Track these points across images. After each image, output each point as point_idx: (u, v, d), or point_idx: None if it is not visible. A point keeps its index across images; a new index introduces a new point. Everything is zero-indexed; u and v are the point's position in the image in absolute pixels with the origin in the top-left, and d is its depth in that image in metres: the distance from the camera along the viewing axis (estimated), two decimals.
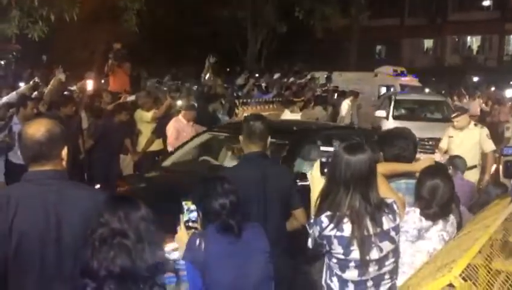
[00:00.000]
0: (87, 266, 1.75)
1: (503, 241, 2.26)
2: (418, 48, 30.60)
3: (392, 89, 14.15)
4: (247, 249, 2.31)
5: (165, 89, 9.69)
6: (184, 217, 2.46)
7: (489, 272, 1.98)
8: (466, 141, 5.67)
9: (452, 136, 5.83)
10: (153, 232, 1.82)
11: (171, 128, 6.23)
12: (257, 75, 13.81)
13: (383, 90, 14.44)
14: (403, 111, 11.04)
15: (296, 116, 8.37)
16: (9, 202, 1.95)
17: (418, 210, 2.51)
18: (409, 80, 15.10)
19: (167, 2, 17.82)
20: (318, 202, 2.29)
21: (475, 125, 5.99)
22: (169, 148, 6.10)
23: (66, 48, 14.77)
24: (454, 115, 5.93)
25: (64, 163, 2.14)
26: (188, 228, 2.45)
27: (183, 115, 6.34)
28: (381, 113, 10.70)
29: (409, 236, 2.48)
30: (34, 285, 1.98)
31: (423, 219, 2.49)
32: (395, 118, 10.22)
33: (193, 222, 2.46)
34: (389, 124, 9.53)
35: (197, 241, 2.27)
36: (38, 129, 2.06)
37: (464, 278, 1.70)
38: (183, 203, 2.51)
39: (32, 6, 9.90)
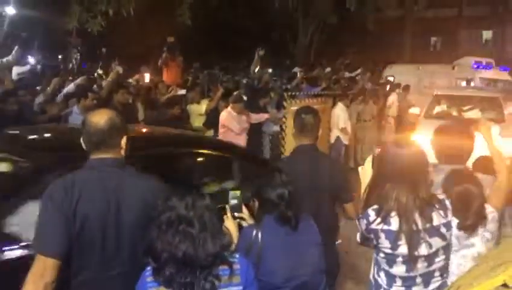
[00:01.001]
0: (152, 246, 1.85)
1: None
2: (475, 39, 29.12)
3: (472, 84, 12.51)
4: (302, 241, 2.33)
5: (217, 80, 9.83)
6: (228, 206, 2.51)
7: None
8: None
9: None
10: (216, 222, 1.91)
11: (228, 119, 6.20)
12: (308, 68, 13.71)
13: (463, 84, 12.73)
14: (439, 109, 9.30)
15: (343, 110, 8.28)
16: (73, 187, 2.06)
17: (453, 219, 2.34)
18: (494, 73, 13.38)
19: None
20: (365, 195, 2.28)
21: None
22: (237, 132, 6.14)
23: (123, 42, 15.33)
24: None
25: (123, 152, 2.23)
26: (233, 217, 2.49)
27: (231, 107, 6.39)
28: (414, 110, 9.26)
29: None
30: (95, 265, 2.10)
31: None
32: (427, 116, 8.75)
33: (234, 208, 2.50)
34: (422, 124, 8.19)
35: (254, 232, 2.31)
36: (101, 118, 2.17)
37: None
38: (230, 192, 2.55)
39: (91, 1, 10.36)
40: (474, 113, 5.12)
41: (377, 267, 2.24)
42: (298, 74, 10.71)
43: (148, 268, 1.90)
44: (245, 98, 8.08)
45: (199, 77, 9.46)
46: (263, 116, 7.11)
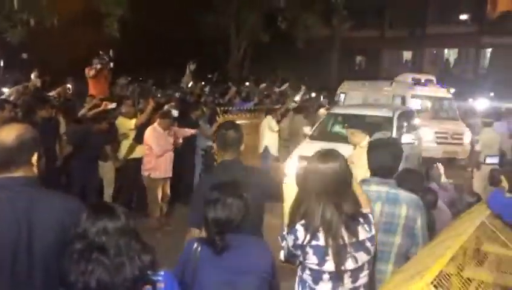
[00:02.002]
0: (65, 276, 1.74)
1: (475, 250, 2.30)
2: (397, 59, 31.13)
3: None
4: (237, 267, 2.20)
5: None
6: None
7: (461, 281, 2.02)
8: None
9: None
10: (133, 245, 1.80)
11: (151, 137, 6.08)
12: (247, 83, 13.82)
13: (397, 101, 11.91)
14: (328, 129, 8.42)
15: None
16: None
17: None
18: (430, 90, 12.41)
19: (150, 8, 17.75)
20: (290, 212, 2.27)
21: None
22: (145, 159, 6.07)
23: (46, 53, 14.57)
24: None
25: (35, 169, 2.08)
26: None
27: (158, 123, 6.20)
28: (306, 129, 8.42)
29: None
30: None
31: None
32: (312, 137, 7.91)
33: None
34: (306, 144, 7.60)
35: (194, 246, 2.23)
36: (8, 134, 2.01)
37: (435, 286, 1.73)
38: None
39: (12, 11, 9.77)
40: (359, 138, 4.91)
41: (301, 285, 2.21)
42: (231, 89, 10.76)
43: None
44: (176, 113, 7.97)
45: (128, 90, 9.20)
46: (189, 132, 7.03)
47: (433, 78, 13.31)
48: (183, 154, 7.40)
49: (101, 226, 1.76)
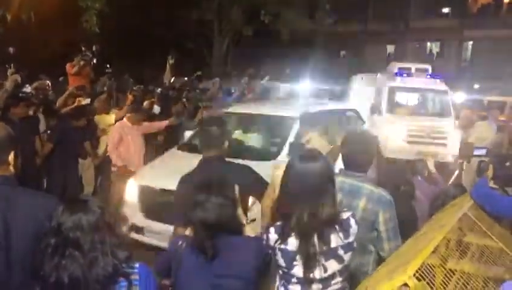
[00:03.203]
0: (37, 270, 1.74)
1: (458, 241, 2.29)
2: (380, 53, 31.37)
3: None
4: (220, 269, 2.13)
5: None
6: None
7: (444, 272, 2.00)
8: None
9: None
10: (108, 241, 1.78)
11: (113, 132, 5.94)
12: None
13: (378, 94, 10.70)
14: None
15: None
16: None
17: None
18: (419, 81, 10.70)
19: (130, 3, 17.48)
20: (270, 211, 2.22)
21: None
22: (111, 155, 5.85)
23: (23, 48, 14.25)
24: None
25: (11, 168, 2.06)
26: None
27: (127, 118, 6.06)
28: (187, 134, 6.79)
29: None
30: None
31: None
32: (181, 147, 6.22)
33: None
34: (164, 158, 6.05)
35: (179, 243, 2.20)
36: None
37: (418, 278, 1.70)
38: None
39: None
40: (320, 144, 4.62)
41: (279, 282, 2.17)
42: (213, 84, 10.66)
43: None
44: (158, 109, 7.86)
45: (105, 85, 9.03)
46: (162, 124, 6.87)
47: (428, 67, 11.29)
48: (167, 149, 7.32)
49: (76, 221, 1.74)
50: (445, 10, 28.77)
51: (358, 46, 30.12)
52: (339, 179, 2.60)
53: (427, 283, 1.77)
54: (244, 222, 2.40)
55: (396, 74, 10.73)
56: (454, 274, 2.09)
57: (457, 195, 3.84)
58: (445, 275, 2.00)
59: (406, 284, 1.72)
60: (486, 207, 2.72)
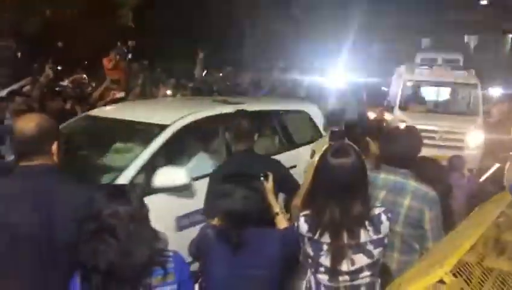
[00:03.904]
0: (77, 256, 1.80)
1: (496, 239, 2.25)
2: (415, 45, 30.54)
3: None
4: (248, 260, 2.20)
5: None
6: None
7: (481, 270, 1.98)
8: None
9: None
10: (144, 232, 1.82)
11: None
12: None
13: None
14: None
15: None
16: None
17: None
18: (442, 73, 9.19)
19: None
20: (302, 200, 2.25)
21: None
22: None
23: (62, 43, 14.67)
24: None
25: (55, 158, 2.13)
26: None
27: None
28: None
29: None
30: (25, 278, 1.98)
31: None
32: None
33: None
34: None
35: (208, 231, 2.26)
36: (27, 124, 2.06)
37: (454, 275, 1.69)
38: None
39: (27, 2, 9.85)
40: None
41: (309, 270, 2.19)
42: (245, 77, 10.70)
43: (76, 275, 1.85)
44: None
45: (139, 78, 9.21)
46: None
47: (459, 57, 9.79)
48: None
49: (114, 209, 1.79)
50: (484, 2, 27.81)
51: (390, 39, 29.46)
52: (381, 176, 2.61)
53: (464, 280, 1.76)
54: (278, 210, 2.43)
55: (420, 65, 9.39)
56: (491, 272, 2.06)
57: (494, 193, 3.75)
58: (483, 273, 1.97)
59: (441, 281, 1.72)
60: None
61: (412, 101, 9.19)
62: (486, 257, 2.06)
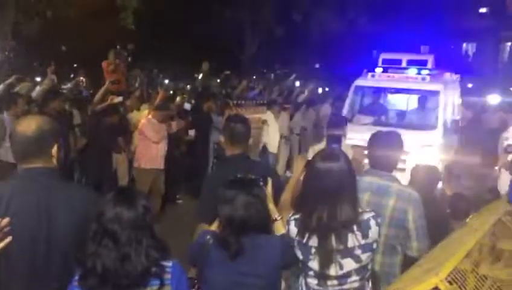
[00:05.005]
0: (80, 251, 1.80)
1: (491, 246, 2.26)
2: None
3: None
4: (245, 267, 2.16)
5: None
6: None
7: (476, 277, 1.98)
8: None
9: None
10: (144, 240, 1.80)
11: (146, 127, 6.04)
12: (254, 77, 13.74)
13: None
14: None
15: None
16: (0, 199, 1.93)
17: None
18: (397, 78, 7.67)
19: (165, 1, 17.70)
20: (294, 204, 2.25)
21: None
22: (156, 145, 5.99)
23: (62, 46, 14.67)
24: None
25: (54, 160, 2.11)
26: None
27: (153, 115, 6.14)
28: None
29: None
30: (23, 282, 1.97)
31: None
32: None
33: None
34: None
35: (207, 237, 2.23)
36: (29, 126, 2.04)
37: (449, 282, 1.70)
38: None
39: (28, 3, 9.86)
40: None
41: (301, 273, 2.21)
42: (242, 82, 10.71)
43: (74, 281, 1.83)
44: (189, 106, 7.99)
45: (136, 83, 9.19)
46: (179, 125, 6.99)
47: (427, 58, 8.11)
48: (196, 147, 7.44)
49: (117, 214, 1.78)
50: (483, 10, 27.94)
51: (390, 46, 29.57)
52: (366, 179, 2.65)
53: (459, 287, 1.77)
54: (276, 217, 2.44)
55: (382, 68, 7.81)
56: (486, 280, 2.06)
57: (490, 200, 3.77)
58: (478, 280, 1.98)
59: (437, 288, 1.72)
60: None
61: (358, 111, 7.88)
62: (481, 265, 2.07)
